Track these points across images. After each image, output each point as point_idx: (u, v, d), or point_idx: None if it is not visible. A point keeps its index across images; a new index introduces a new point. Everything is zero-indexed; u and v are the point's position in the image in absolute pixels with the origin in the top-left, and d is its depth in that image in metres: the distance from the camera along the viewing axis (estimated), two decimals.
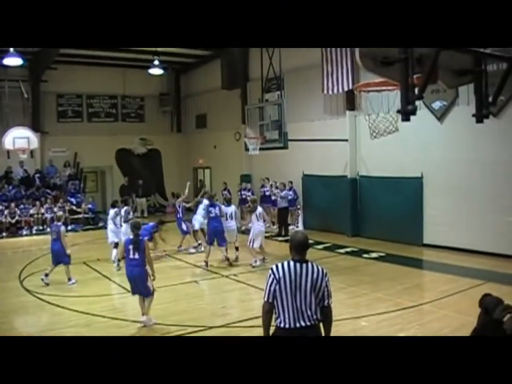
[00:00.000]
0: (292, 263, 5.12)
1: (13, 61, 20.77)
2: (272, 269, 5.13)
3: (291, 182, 20.30)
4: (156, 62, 24.64)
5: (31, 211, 22.87)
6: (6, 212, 22.28)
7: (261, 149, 17.24)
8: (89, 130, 27.10)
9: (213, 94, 25.99)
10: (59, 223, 13.22)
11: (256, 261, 14.29)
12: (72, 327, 9.51)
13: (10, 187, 24.16)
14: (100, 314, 10.21)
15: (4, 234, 21.70)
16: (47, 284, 12.56)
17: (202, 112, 28.13)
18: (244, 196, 22.51)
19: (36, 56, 23.84)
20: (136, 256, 9.35)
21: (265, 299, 5.14)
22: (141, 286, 9.48)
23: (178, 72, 29.50)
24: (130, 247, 9.39)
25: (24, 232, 22.06)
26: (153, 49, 22.72)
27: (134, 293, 9.64)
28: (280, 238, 18.79)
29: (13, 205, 22.58)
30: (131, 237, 9.73)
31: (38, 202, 23.29)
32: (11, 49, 19.89)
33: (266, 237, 19.08)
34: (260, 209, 14.89)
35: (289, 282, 5.02)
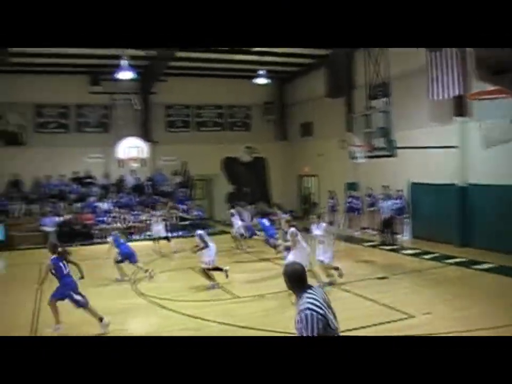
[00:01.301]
0: (312, 291, 4.65)
1: (126, 74, 21.73)
2: (310, 308, 4.47)
3: (400, 191, 19.96)
4: (261, 72, 24.95)
5: (142, 217, 23.73)
6: (119, 218, 23.32)
7: (367, 157, 16.99)
8: (197, 139, 27.81)
9: (318, 102, 25.95)
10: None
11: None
12: (182, 330, 9.71)
13: (123, 194, 25.24)
14: (209, 319, 10.37)
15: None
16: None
17: (307, 120, 28.15)
18: (351, 204, 22.41)
19: (146, 69, 24.76)
20: (68, 269, 9.91)
21: None
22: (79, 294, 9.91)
23: (283, 81, 29.69)
24: (61, 264, 9.84)
25: (136, 237, 22.86)
26: (258, 59, 23.04)
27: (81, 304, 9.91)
28: (387, 247, 18.42)
29: (125, 211, 23.62)
30: (55, 256, 9.93)
31: (148, 209, 24.21)
32: (124, 63, 20.80)
33: (372, 246, 18.93)
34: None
35: (326, 311, 4.57)
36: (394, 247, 18.52)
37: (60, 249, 10.20)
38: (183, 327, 10.01)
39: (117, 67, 21.40)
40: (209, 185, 29.56)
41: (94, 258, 16.32)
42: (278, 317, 10.35)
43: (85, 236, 22.22)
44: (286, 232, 13.10)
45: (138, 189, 25.94)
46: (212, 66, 25.27)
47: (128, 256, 14.64)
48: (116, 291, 13.33)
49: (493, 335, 8.98)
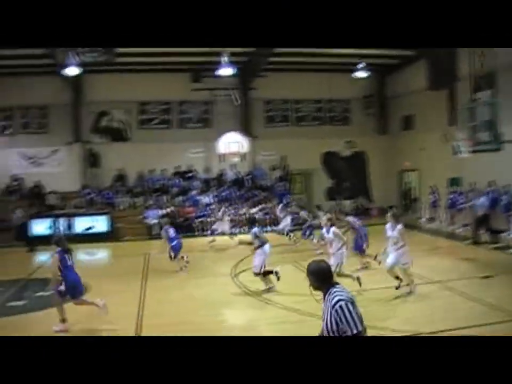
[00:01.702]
0: (340, 287, 4.72)
1: (226, 71, 22.08)
2: (342, 299, 4.53)
3: (507, 186, 19.07)
4: (361, 65, 24.63)
5: (242, 211, 24.04)
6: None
7: (471, 151, 16.38)
8: (296, 134, 27.81)
9: (419, 95, 25.21)
10: None
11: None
12: (282, 324, 9.76)
13: (224, 188, 25.71)
14: (310, 313, 10.22)
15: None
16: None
17: (408, 114, 27.46)
18: (453, 200, 21.70)
19: (246, 65, 25.00)
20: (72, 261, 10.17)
21: (358, 329, 4.51)
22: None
23: (383, 74, 29.12)
24: (67, 256, 10.04)
25: (236, 231, 23.12)
26: (357, 52, 22.73)
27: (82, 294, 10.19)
28: (492, 246, 17.60)
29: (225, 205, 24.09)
30: (60, 249, 10.10)
31: (248, 203, 24.57)
32: (224, 59, 21.13)
33: (475, 243, 18.18)
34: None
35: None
36: (499, 245, 17.72)
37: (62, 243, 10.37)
38: (283, 320, 10.05)
39: (218, 64, 21.78)
40: (308, 180, 29.46)
41: (196, 250, 16.70)
42: (380, 312, 10.19)
43: (186, 228, 22.74)
44: (327, 231, 12.15)
45: (238, 183, 26.33)
46: (310, 61, 25.15)
47: (178, 250, 15.28)
48: (216, 283, 13.57)
49: None
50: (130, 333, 9.32)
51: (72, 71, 21.43)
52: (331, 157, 28.82)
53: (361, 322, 4.55)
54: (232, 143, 24.56)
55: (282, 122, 28.35)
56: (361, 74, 25.48)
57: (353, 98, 29.12)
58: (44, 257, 18.14)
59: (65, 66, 21.04)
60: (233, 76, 23.64)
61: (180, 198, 25.04)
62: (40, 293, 12.65)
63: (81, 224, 22.67)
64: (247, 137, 25.36)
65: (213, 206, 24.21)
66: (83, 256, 18.60)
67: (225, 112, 26.50)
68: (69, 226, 22.62)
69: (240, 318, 11.01)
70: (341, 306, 4.47)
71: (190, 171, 26.35)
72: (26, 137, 25.40)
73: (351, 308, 4.48)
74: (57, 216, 22.91)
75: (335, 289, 4.63)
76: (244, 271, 14.72)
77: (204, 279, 14.15)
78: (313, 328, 9.22)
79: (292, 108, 28.58)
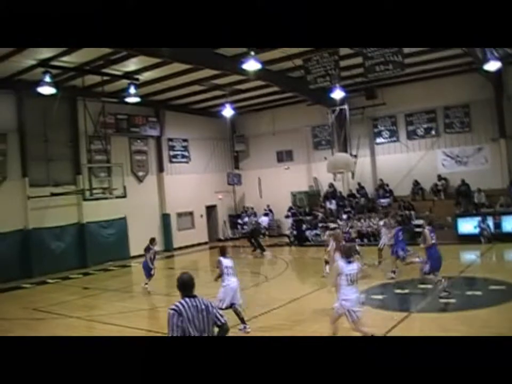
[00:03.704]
0: (190, 300, 5.25)
1: None
2: (171, 308, 5.19)
3: None
4: None
5: None
6: None
7: None
8: None
9: None
10: None
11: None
12: None
13: None
14: None
15: None
16: None
17: None
18: None
19: None
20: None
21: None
22: None
23: None
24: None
25: None
26: None
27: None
28: None
29: None
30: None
31: None
32: None
33: None
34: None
35: (192, 317, 5.14)
36: None
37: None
38: None
39: None
40: None
41: None
42: None
43: None
44: None
45: None
46: None
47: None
48: None
49: None
50: None
51: (492, 66, 20.71)
52: None
53: (188, 333, 5.06)
54: None
55: None
56: None
57: None
58: (473, 256, 18.24)
59: (485, 62, 20.52)
60: None
61: None
62: (470, 292, 12.80)
63: (509, 224, 21.85)
64: None
65: None
66: None
67: None
68: (496, 225, 22.07)
69: None
70: (168, 313, 5.18)
71: None
72: (450, 136, 25.87)
73: (175, 319, 5.11)
74: (484, 214, 22.53)
75: (182, 300, 5.26)
76: None
77: None
78: None
79: None
